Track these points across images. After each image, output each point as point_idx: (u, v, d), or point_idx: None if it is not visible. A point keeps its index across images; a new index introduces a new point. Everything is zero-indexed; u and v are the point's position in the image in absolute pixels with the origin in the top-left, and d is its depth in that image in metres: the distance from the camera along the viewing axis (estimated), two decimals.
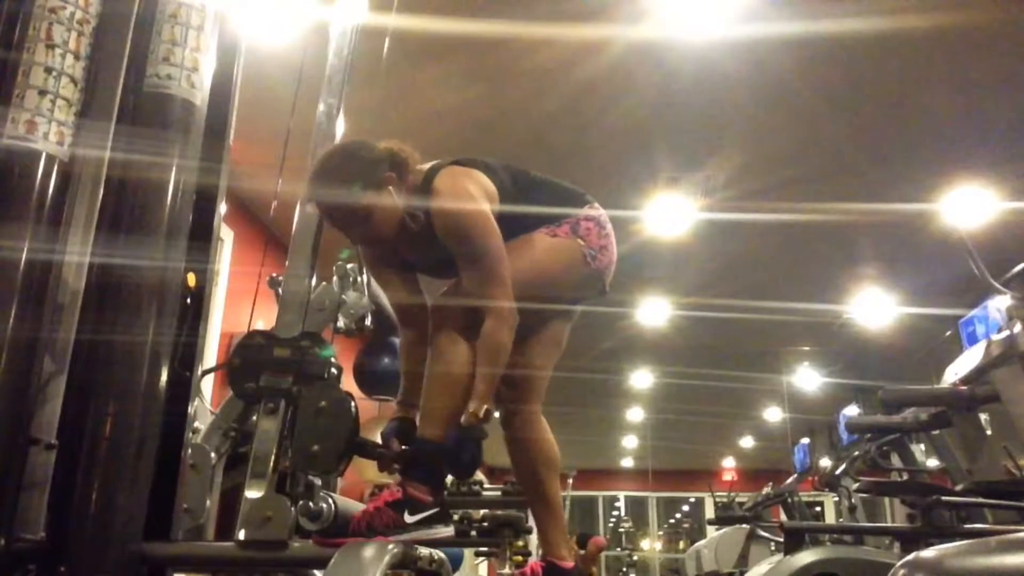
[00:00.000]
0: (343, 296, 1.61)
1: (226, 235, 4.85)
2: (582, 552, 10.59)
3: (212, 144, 1.46)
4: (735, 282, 6.07)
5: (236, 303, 4.76)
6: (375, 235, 1.79)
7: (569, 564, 1.94)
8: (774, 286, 6.07)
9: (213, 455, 1.42)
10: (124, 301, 1.29)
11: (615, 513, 15.67)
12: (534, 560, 1.97)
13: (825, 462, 5.39)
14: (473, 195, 1.79)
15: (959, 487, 2.93)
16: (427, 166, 1.83)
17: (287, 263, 1.51)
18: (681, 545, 15.44)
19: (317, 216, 1.65)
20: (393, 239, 1.84)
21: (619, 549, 13.31)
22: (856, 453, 4.33)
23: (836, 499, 5.81)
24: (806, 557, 3.06)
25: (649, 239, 5.37)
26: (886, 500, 6.74)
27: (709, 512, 9.38)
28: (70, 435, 1.23)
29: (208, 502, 1.39)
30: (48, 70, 1.29)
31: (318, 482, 1.39)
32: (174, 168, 1.35)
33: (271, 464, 1.31)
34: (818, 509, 12.08)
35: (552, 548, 1.96)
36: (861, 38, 3.44)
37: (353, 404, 1.37)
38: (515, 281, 1.82)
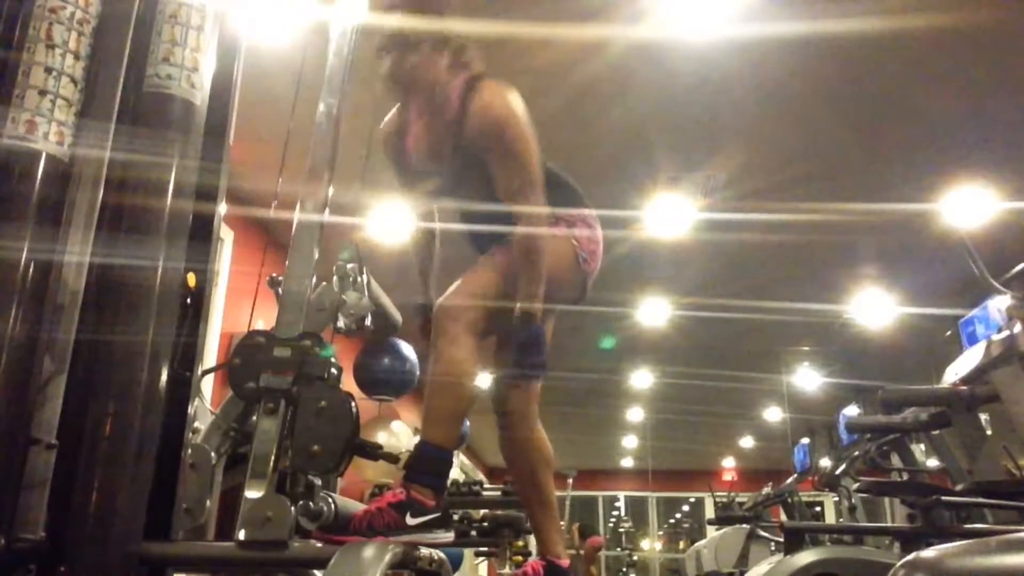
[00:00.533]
0: (343, 296, 1.60)
1: (226, 235, 4.86)
2: (583, 543, 10.58)
3: (212, 144, 1.45)
4: (735, 282, 6.07)
5: (236, 303, 4.76)
6: (407, 76, 1.86)
7: (566, 562, 1.95)
8: (774, 286, 6.07)
9: (213, 455, 1.42)
10: (124, 301, 1.29)
11: (615, 513, 15.67)
12: (533, 560, 1.97)
13: (825, 462, 5.39)
14: (520, 106, 1.87)
15: (959, 487, 2.93)
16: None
17: (287, 263, 1.51)
18: (681, 545, 15.45)
19: (317, 216, 1.66)
20: (417, 104, 1.92)
21: (619, 549, 13.31)
22: (856, 453, 4.34)
23: (836, 499, 5.82)
24: (806, 557, 3.06)
25: (649, 239, 5.37)
26: (886, 500, 6.74)
27: (709, 512, 9.38)
28: (70, 435, 1.23)
29: (208, 502, 1.39)
30: (48, 70, 1.29)
31: (318, 482, 1.39)
32: (174, 168, 1.35)
33: (271, 464, 1.31)
34: (818, 509, 12.08)
35: (549, 546, 1.96)
36: (861, 38, 3.44)
37: (353, 404, 1.37)
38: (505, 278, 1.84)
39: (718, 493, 7.20)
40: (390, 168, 2.10)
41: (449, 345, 1.76)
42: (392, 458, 1.51)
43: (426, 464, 1.69)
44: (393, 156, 2.08)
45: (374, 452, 1.47)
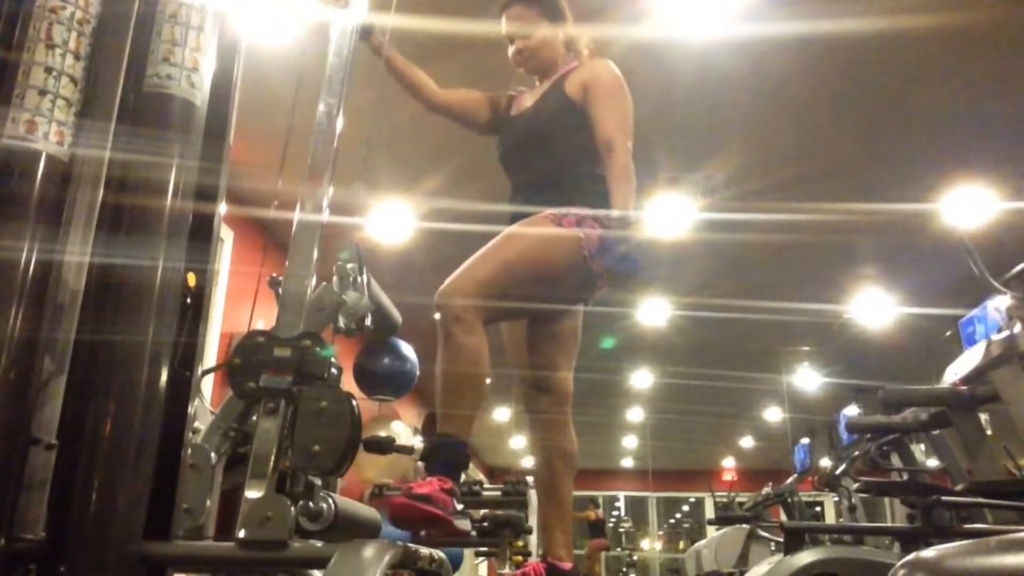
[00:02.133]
0: (343, 296, 1.60)
1: (226, 235, 4.86)
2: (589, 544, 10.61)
3: (212, 144, 1.45)
4: (735, 282, 6.07)
5: (236, 303, 4.77)
6: (532, 53, 2.20)
7: (568, 565, 1.94)
8: (774, 286, 6.07)
9: (213, 455, 1.42)
10: (124, 301, 1.28)
11: (615, 513, 15.68)
12: (534, 560, 1.97)
13: (825, 462, 5.39)
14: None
15: (959, 487, 2.93)
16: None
17: (287, 263, 1.51)
18: (681, 545, 15.45)
19: (317, 216, 1.66)
20: (525, 61, 2.22)
21: (619, 549, 13.33)
22: (856, 453, 4.33)
23: (836, 499, 5.82)
24: (806, 557, 3.06)
25: (649, 239, 5.37)
26: (886, 500, 6.74)
27: (709, 512, 9.39)
28: (70, 435, 1.23)
29: (208, 502, 1.39)
30: (48, 70, 1.29)
31: (318, 482, 1.39)
32: (174, 168, 1.35)
33: (271, 464, 1.31)
34: (818, 509, 12.09)
35: (554, 548, 1.96)
36: (861, 38, 3.44)
37: (354, 404, 1.36)
38: (513, 265, 1.85)
39: (718, 493, 7.20)
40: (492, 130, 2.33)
41: (463, 334, 1.76)
42: (407, 450, 1.52)
43: (445, 455, 1.71)
44: (493, 117, 2.32)
45: (389, 446, 1.47)
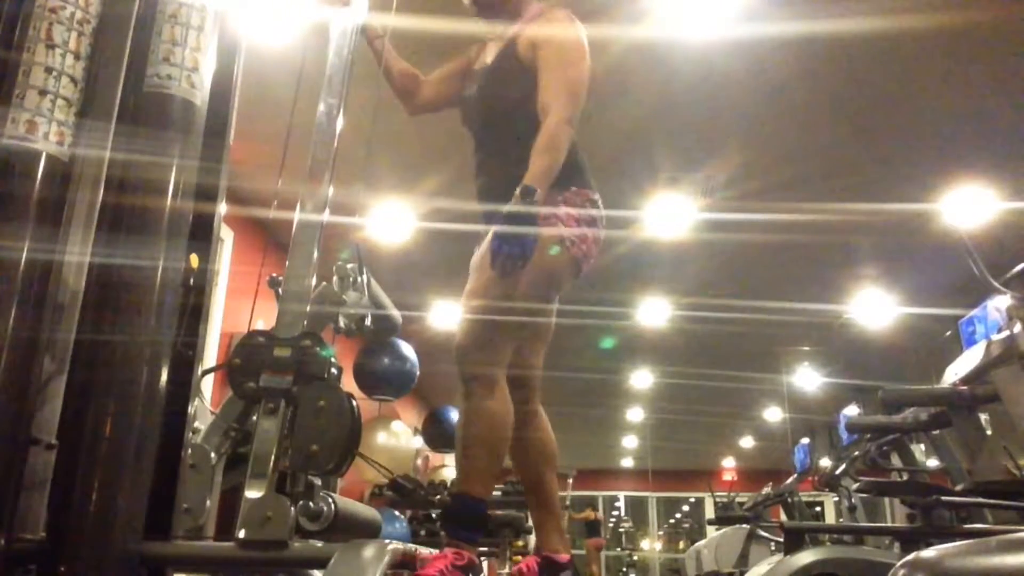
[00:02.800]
0: (343, 296, 1.60)
1: (226, 235, 4.86)
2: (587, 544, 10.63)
3: (212, 144, 1.45)
4: (735, 282, 6.07)
5: (236, 303, 4.77)
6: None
7: (565, 557, 1.95)
8: (774, 286, 6.07)
9: (213, 455, 1.42)
10: (124, 301, 1.28)
11: (615, 513, 15.68)
12: (529, 556, 1.98)
13: (825, 462, 5.39)
14: (582, 30, 1.99)
15: (959, 487, 2.93)
16: None
17: (287, 263, 1.51)
18: (681, 545, 15.45)
19: (317, 216, 1.66)
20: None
21: (619, 549, 13.34)
22: (856, 453, 4.33)
23: (836, 499, 5.82)
24: (806, 557, 3.06)
25: (649, 239, 5.37)
26: (886, 500, 6.75)
27: (709, 512, 9.39)
28: (70, 435, 1.23)
29: (208, 502, 1.39)
30: (48, 70, 1.29)
31: (318, 482, 1.39)
32: (174, 168, 1.35)
33: (271, 464, 1.31)
34: (818, 509, 12.10)
35: (548, 542, 1.97)
36: (861, 38, 3.44)
37: (354, 404, 1.36)
38: (515, 301, 1.82)
39: (718, 493, 7.20)
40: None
41: (483, 399, 1.76)
42: (423, 503, 1.51)
43: (467, 519, 1.72)
44: (460, 82, 2.17)
45: (410, 492, 1.46)
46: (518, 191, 1.74)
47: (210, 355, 4.24)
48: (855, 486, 3.80)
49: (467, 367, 1.78)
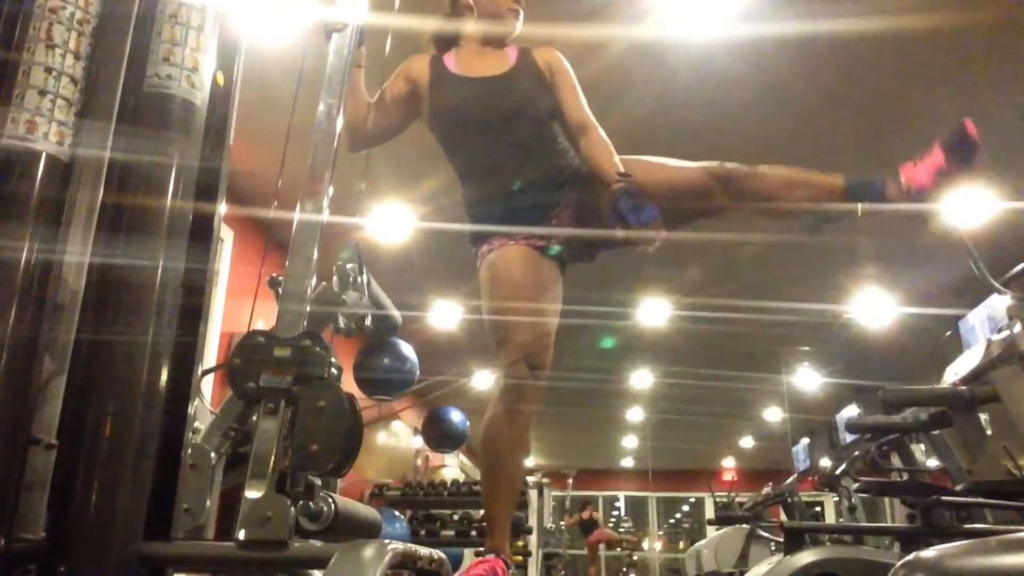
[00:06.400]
0: (343, 296, 1.60)
1: (226, 235, 4.86)
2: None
3: (212, 144, 1.45)
4: (735, 282, 6.07)
5: (236, 303, 4.77)
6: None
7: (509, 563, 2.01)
8: (774, 286, 6.07)
9: (213, 455, 1.42)
10: (124, 301, 1.28)
11: (615, 513, 15.68)
12: (492, 557, 1.94)
13: (825, 462, 5.40)
14: None
15: (959, 487, 2.93)
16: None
17: (287, 263, 1.51)
18: (681, 545, 15.45)
19: (317, 216, 1.66)
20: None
21: (619, 549, 13.32)
22: (856, 453, 4.33)
23: (836, 499, 5.82)
24: (806, 557, 3.05)
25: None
26: (886, 500, 6.74)
27: (709, 512, 9.38)
28: (70, 435, 1.23)
29: (208, 502, 1.39)
30: (48, 70, 1.29)
31: (318, 482, 1.39)
32: (174, 168, 1.35)
33: (271, 464, 1.31)
34: (818, 509, 12.10)
35: (503, 543, 1.97)
36: (861, 38, 3.44)
37: (355, 404, 1.36)
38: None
39: (718, 493, 7.19)
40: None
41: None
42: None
43: None
44: (433, 77, 2.21)
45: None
46: (617, 178, 1.95)
47: (210, 355, 4.24)
48: (855, 486, 3.80)
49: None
